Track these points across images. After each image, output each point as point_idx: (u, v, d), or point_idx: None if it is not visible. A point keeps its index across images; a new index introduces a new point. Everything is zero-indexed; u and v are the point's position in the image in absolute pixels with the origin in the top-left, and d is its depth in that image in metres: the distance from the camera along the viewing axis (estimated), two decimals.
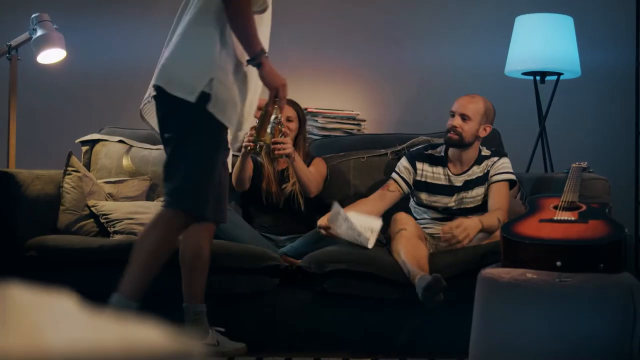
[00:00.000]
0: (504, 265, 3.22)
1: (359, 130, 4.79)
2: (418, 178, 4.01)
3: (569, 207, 3.42)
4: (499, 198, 3.88)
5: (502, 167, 3.94)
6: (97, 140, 4.33)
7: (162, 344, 0.72)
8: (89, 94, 4.85)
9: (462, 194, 3.95)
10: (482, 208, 3.94)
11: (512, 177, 3.94)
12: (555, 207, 3.43)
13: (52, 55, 3.99)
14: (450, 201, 3.95)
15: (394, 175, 4.09)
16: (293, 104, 4.25)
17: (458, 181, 3.97)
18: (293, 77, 4.98)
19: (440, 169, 4.01)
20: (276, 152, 3.75)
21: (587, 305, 2.97)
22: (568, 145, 4.84)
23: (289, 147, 3.83)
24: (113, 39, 4.99)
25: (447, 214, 3.96)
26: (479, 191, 3.95)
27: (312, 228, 4.03)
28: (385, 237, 3.90)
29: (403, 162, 4.09)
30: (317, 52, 5.08)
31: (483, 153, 4.02)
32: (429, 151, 4.09)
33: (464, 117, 3.88)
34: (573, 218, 3.32)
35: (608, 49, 4.98)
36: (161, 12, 5.05)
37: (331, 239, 3.85)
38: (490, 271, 3.16)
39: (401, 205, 4.08)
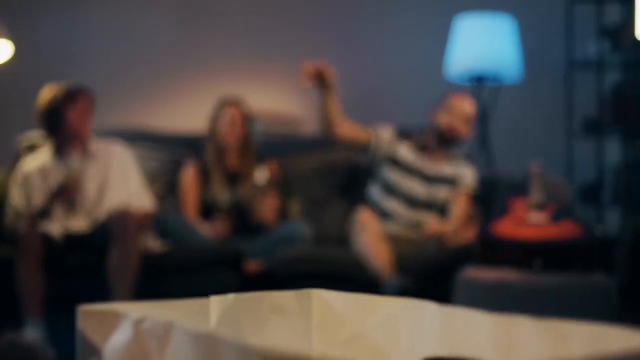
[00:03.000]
0: (482, 265, 3.35)
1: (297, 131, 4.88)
2: (396, 155, 4.12)
3: (539, 208, 3.57)
4: (464, 207, 4.04)
5: (473, 177, 4.13)
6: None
7: None
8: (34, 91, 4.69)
9: (431, 188, 4.07)
10: (440, 209, 4.08)
11: (475, 190, 4.12)
12: (526, 208, 3.58)
13: None
14: (418, 187, 4.06)
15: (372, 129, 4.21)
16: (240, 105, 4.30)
17: (426, 169, 4.09)
18: (233, 76, 5.02)
19: (415, 152, 4.14)
20: None
21: (569, 306, 3.14)
22: (508, 147, 5.03)
23: None
24: (59, 32, 4.87)
25: (417, 204, 4.05)
26: (441, 192, 4.08)
27: (264, 230, 4.08)
28: (347, 235, 3.97)
29: (388, 129, 4.20)
30: (255, 51, 5.10)
31: (455, 152, 4.19)
32: (413, 135, 4.23)
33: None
34: (546, 219, 3.48)
35: (545, 52, 5.22)
36: (107, 3, 4.97)
37: (288, 240, 3.92)
38: (471, 272, 3.28)
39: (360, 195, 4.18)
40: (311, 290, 1.01)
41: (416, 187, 4.07)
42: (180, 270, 3.70)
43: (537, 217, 3.48)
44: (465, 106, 4.10)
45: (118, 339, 0.85)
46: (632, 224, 4.74)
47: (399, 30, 5.24)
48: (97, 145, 3.88)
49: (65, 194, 3.62)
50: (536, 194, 3.66)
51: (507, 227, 3.46)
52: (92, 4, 4.95)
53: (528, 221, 3.47)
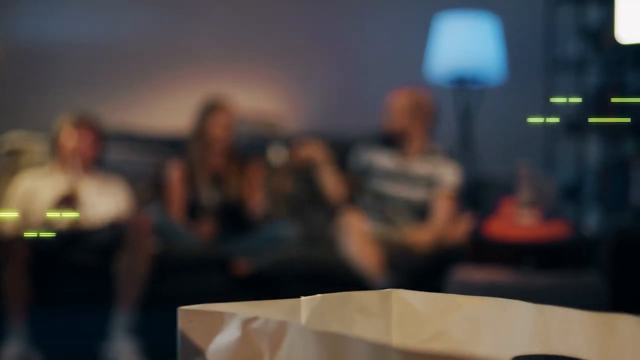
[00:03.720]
0: (473, 265, 3.40)
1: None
2: (374, 165, 4.16)
3: (529, 207, 3.63)
4: (447, 210, 4.04)
5: (454, 175, 4.13)
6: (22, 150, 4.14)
7: None
8: (15, 90, 4.65)
9: (405, 188, 4.09)
10: (418, 210, 4.09)
11: (457, 189, 4.15)
12: (516, 207, 3.64)
13: None
14: (396, 188, 4.09)
15: None
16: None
17: (399, 170, 4.11)
18: (215, 76, 5.01)
19: (390, 156, 4.17)
20: None
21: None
22: (489, 148, 5.08)
23: None
24: (42, 31, 4.85)
25: (396, 205, 4.07)
26: (417, 193, 4.10)
27: (250, 230, 4.09)
28: (334, 236, 3.99)
29: (362, 156, 4.26)
30: (236, 51, 5.11)
31: (430, 148, 4.20)
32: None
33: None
34: (536, 219, 3.53)
35: (526, 52, 5.28)
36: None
37: (274, 241, 3.95)
38: (462, 273, 3.32)
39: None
40: (392, 290, 1.03)
41: (395, 189, 4.09)
42: (168, 272, 3.71)
43: (528, 217, 3.53)
44: (400, 100, 4.13)
45: (225, 339, 0.85)
46: (614, 224, 4.82)
47: (381, 31, 5.27)
48: (98, 177, 3.97)
49: (68, 202, 3.70)
50: (526, 194, 3.71)
51: (498, 227, 3.51)
52: (75, 2, 4.92)
53: (518, 221, 3.52)
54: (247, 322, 0.84)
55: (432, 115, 4.19)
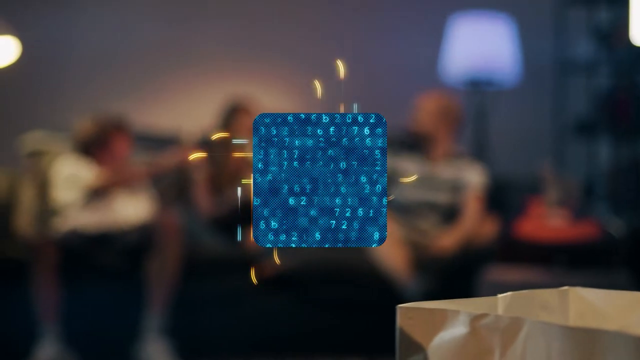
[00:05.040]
0: (504, 266, 3.45)
1: None
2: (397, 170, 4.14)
3: (558, 207, 3.68)
4: (476, 210, 4.01)
5: (481, 176, 4.12)
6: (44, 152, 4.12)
7: None
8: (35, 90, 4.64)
9: (430, 192, 4.10)
10: (444, 212, 4.11)
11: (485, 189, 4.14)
12: (545, 207, 3.69)
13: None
14: (419, 193, 4.09)
15: None
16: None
17: (423, 174, 4.12)
18: (236, 75, 5.03)
19: (414, 161, 4.16)
20: None
21: None
22: (500, 149, 5.13)
23: None
24: (61, 32, 4.84)
25: (419, 209, 4.09)
26: (441, 196, 4.11)
27: None
28: None
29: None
30: (256, 50, 5.13)
31: (456, 151, 4.22)
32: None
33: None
34: (566, 218, 3.59)
35: (538, 54, 5.34)
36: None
37: None
38: (494, 274, 3.37)
39: None
40: (569, 288, 1.07)
41: (420, 192, 4.10)
42: (194, 273, 3.72)
43: (558, 217, 3.58)
44: (428, 103, 4.15)
45: (449, 335, 0.88)
46: (625, 225, 4.88)
47: (396, 32, 5.31)
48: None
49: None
50: (554, 194, 3.76)
51: (528, 228, 3.56)
52: (94, 3, 4.92)
53: (549, 222, 3.57)
54: (475, 319, 0.87)
55: (459, 119, 4.21)
